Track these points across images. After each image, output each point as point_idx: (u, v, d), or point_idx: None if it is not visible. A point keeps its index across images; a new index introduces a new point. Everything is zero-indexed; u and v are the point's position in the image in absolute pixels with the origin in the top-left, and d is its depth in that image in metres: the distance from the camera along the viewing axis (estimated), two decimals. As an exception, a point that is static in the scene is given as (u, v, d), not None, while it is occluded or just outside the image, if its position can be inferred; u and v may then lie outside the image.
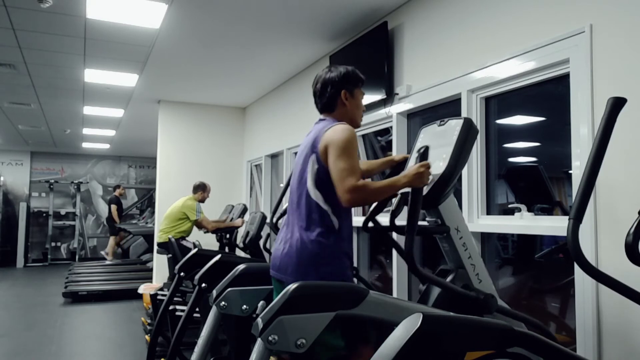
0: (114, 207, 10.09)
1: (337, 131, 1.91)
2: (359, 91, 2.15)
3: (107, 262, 9.58)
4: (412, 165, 1.89)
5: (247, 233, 4.31)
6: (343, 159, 1.84)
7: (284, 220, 2.12)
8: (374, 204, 2.13)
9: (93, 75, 5.34)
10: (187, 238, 5.30)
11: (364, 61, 3.77)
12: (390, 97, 3.54)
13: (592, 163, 1.32)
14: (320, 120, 2.11)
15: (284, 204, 2.22)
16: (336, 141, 1.88)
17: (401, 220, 1.94)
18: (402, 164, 2.21)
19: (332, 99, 2.08)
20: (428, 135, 2.10)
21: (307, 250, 1.90)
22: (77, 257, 11.72)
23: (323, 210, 1.92)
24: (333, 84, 2.08)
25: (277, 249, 2.05)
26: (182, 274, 3.06)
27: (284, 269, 1.96)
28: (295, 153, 2.23)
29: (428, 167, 1.85)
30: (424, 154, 1.90)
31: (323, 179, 1.92)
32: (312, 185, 1.94)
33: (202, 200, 5.49)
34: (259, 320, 1.52)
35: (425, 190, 1.89)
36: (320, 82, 2.11)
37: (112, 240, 9.97)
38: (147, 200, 12.50)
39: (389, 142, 3.77)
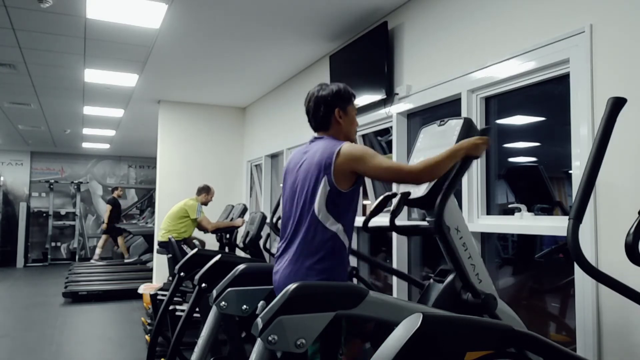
0: (108, 207, 10.09)
1: (353, 149, 1.93)
2: (351, 107, 2.14)
3: (126, 261, 9.61)
4: (470, 139, 1.88)
5: (247, 233, 4.31)
6: (380, 161, 1.89)
7: (282, 234, 2.09)
8: (374, 205, 2.13)
9: (93, 75, 5.34)
10: (188, 239, 5.30)
11: (364, 61, 3.77)
12: (390, 97, 3.54)
13: (592, 163, 1.32)
14: (317, 139, 2.10)
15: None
16: (361, 155, 1.91)
17: (401, 220, 1.94)
18: None
19: (326, 118, 2.09)
20: (428, 135, 2.11)
21: (308, 273, 1.90)
22: (77, 257, 11.72)
23: (331, 232, 1.91)
24: (326, 102, 2.08)
25: (278, 269, 2.02)
26: (182, 274, 3.06)
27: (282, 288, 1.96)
28: (295, 153, 2.22)
29: (486, 142, 1.86)
30: (483, 132, 1.91)
31: (335, 201, 1.92)
32: (323, 208, 1.92)
33: (205, 203, 5.48)
34: (259, 320, 1.52)
35: (425, 190, 1.89)
36: (313, 101, 2.11)
37: (120, 240, 9.97)
38: (147, 200, 12.50)
39: (389, 142, 3.77)
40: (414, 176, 1.86)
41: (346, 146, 1.95)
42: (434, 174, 1.85)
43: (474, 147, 1.83)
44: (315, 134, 2.14)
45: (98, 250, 9.99)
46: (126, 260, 9.66)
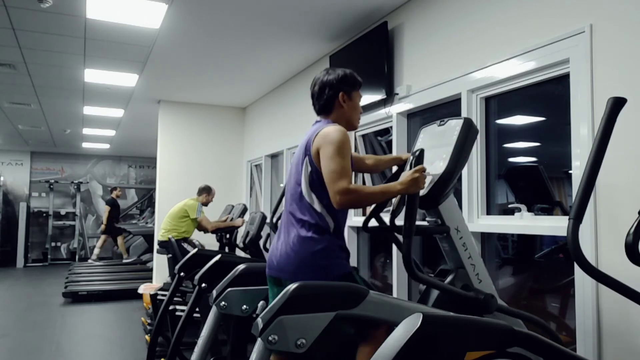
0: (107, 208, 10.08)
1: (328, 133, 1.92)
2: (356, 93, 2.15)
3: (125, 261, 9.60)
4: (407, 171, 1.89)
5: (247, 233, 4.31)
6: (334, 160, 1.85)
7: (281, 219, 2.14)
8: (374, 205, 2.13)
9: (93, 75, 5.34)
10: (188, 239, 5.29)
11: (364, 61, 3.77)
12: (390, 97, 3.54)
13: (592, 163, 1.32)
14: (317, 122, 2.12)
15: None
16: (328, 143, 1.89)
17: (401, 220, 1.94)
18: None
19: (330, 101, 2.09)
20: (428, 135, 2.11)
21: (304, 248, 1.92)
22: (77, 257, 11.71)
23: (317, 212, 1.94)
24: (331, 86, 2.08)
25: (274, 247, 2.06)
26: (182, 274, 3.06)
27: (282, 268, 1.97)
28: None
29: (423, 171, 1.85)
30: (418, 158, 1.88)
31: (316, 182, 1.94)
32: (307, 188, 1.96)
33: (205, 204, 5.48)
34: (259, 320, 1.53)
35: (425, 190, 1.89)
36: (318, 84, 2.12)
37: (120, 240, 9.96)
38: (147, 200, 12.50)
39: (389, 142, 3.77)
40: (338, 195, 1.81)
41: (326, 129, 1.95)
42: (359, 204, 1.90)
43: (412, 183, 1.81)
44: (317, 118, 2.15)
45: (96, 250, 9.98)
46: (124, 261, 9.64)
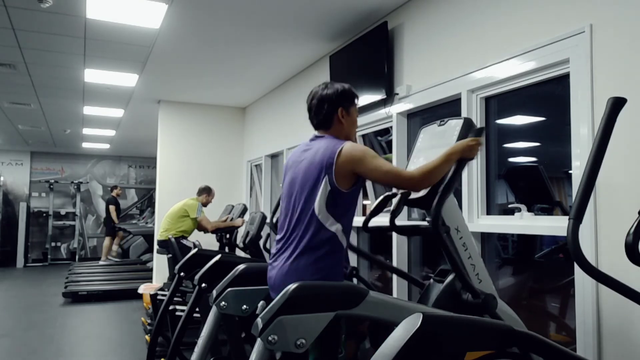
0: (112, 207, 10.06)
1: (353, 151, 1.93)
2: (354, 109, 2.16)
3: (101, 263, 9.53)
4: (463, 140, 1.88)
5: (247, 233, 4.31)
6: (379, 163, 1.90)
7: (279, 232, 2.09)
8: (374, 205, 2.14)
9: (93, 75, 5.34)
10: (187, 238, 5.29)
11: (363, 61, 3.77)
12: (390, 97, 3.54)
13: (592, 163, 1.32)
14: (318, 137, 2.10)
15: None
16: (361, 156, 1.91)
17: (401, 220, 1.94)
18: None
19: (329, 117, 2.09)
20: (428, 135, 2.11)
21: (305, 271, 1.89)
22: (77, 257, 11.71)
23: (330, 232, 1.91)
24: (330, 101, 2.08)
25: (274, 266, 2.01)
26: (182, 274, 3.06)
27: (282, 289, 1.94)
28: (295, 153, 2.21)
29: (479, 143, 1.86)
30: (479, 132, 1.91)
31: (336, 201, 1.92)
32: (323, 208, 1.92)
33: (205, 204, 5.48)
34: (259, 320, 1.53)
35: (425, 190, 1.89)
36: (317, 99, 2.11)
37: (107, 241, 9.92)
38: (147, 200, 12.49)
39: (389, 142, 3.77)
40: (413, 183, 1.87)
41: (347, 146, 1.95)
42: (431, 180, 1.87)
43: (468, 149, 1.84)
44: (316, 132, 2.14)
45: (114, 247, 9.98)
46: (101, 262, 9.56)
